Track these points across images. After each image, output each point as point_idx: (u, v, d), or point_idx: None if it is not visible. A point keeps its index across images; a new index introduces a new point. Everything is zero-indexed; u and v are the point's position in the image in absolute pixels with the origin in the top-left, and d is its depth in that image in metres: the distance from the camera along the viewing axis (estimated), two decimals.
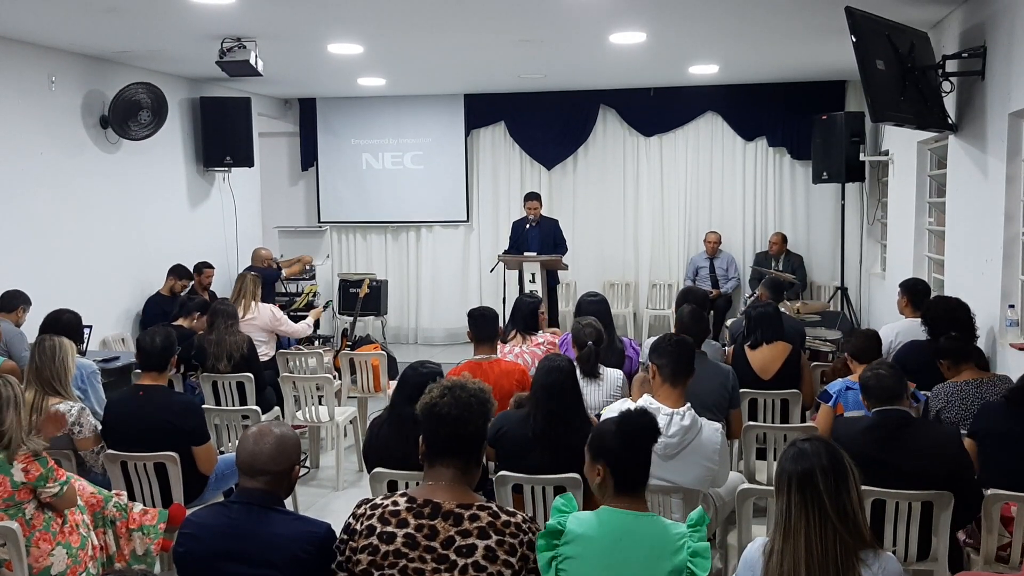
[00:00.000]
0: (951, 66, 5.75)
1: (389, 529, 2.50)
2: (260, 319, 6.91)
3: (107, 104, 7.57)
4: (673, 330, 5.31)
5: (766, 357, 5.24)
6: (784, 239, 9.93)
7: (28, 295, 6.02)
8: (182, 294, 7.86)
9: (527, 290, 8.29)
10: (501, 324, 5.30)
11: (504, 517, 2.54)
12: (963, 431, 3.93)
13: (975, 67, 5.49)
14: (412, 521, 2.50)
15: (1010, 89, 5.02)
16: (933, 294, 5.81)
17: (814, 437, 2.52)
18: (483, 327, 4.86)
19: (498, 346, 5.19)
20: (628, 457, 2.68)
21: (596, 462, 2.71)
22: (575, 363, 4.08)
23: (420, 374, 3.92)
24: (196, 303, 6.84)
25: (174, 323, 6.53)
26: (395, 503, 2.56)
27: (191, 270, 8.10)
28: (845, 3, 5.16)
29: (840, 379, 4.74)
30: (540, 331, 5.55)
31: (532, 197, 9.15)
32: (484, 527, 2.50)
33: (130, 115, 7.58)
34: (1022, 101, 4.86)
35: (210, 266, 8.31)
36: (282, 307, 9.17)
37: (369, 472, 3.84)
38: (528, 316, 5.51)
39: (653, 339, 4.13)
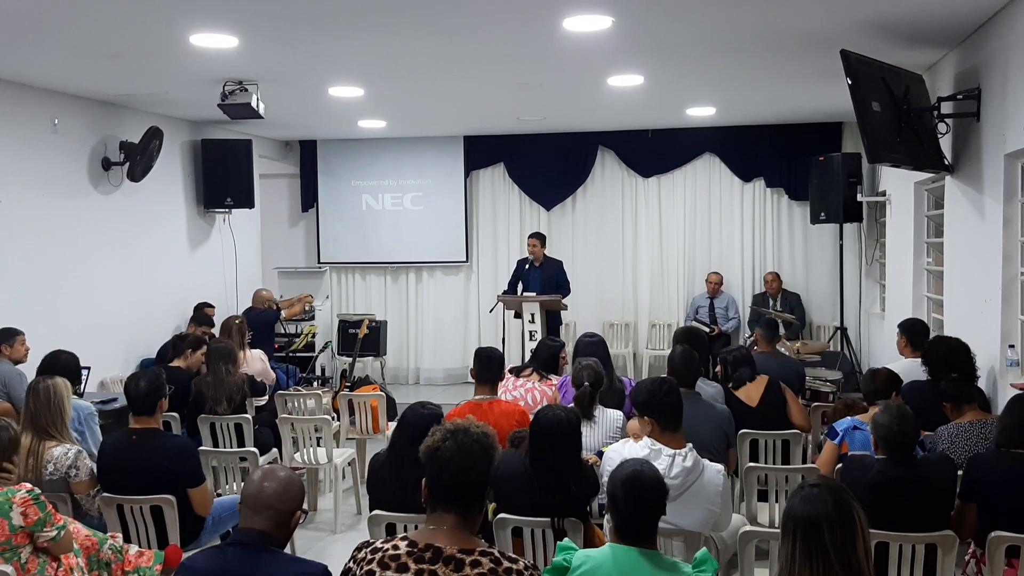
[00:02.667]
0: (946, 108, 5.80)
1: (389, 574, 2.47)
2: (252, 369, 6.86)
3: (109, 147, 7.64)
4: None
5: (750, 389, 5.41)
6: (779, 277, 9.96)
7: (17, 328, 5.97)
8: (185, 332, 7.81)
9: (527, 330, 8.29)
10: (506, 367, 5.39)
11: (506, 564, 2.50)
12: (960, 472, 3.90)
13: (970, 109, 5.53)
14: (413, 566, 2.47)
15: (1005, 130, 5.05)
16: (932, 334, 5.81)
17: (823, 482, 2.46)
18: (487, 367, 4.90)
19: (509, 378, 5.33)
20: (631, 513, 2.81)
21: (607, 500, 2.88)
22: (577, 414, 4.02)
23: (420, 415, 3.90)
24: (188, 341, 6.73)
25: (171, 364, 6.51)
26: (395, 547, 2.52)
27: (203, 312, 8.09)
28: (841, 47, 5.22)
29: (848, 417, 4.65)
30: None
31: (533, 236, 9.15)
32: (486, 574, 2.46)
33: (149, 163, 7.77)
34: (1017, 142, 4.89)
35: (211, 306, 8.31)
36: (281, 348, 9.18)
37: (370, 510, 3.82)
38: (549, 359, 5.67)
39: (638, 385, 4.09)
